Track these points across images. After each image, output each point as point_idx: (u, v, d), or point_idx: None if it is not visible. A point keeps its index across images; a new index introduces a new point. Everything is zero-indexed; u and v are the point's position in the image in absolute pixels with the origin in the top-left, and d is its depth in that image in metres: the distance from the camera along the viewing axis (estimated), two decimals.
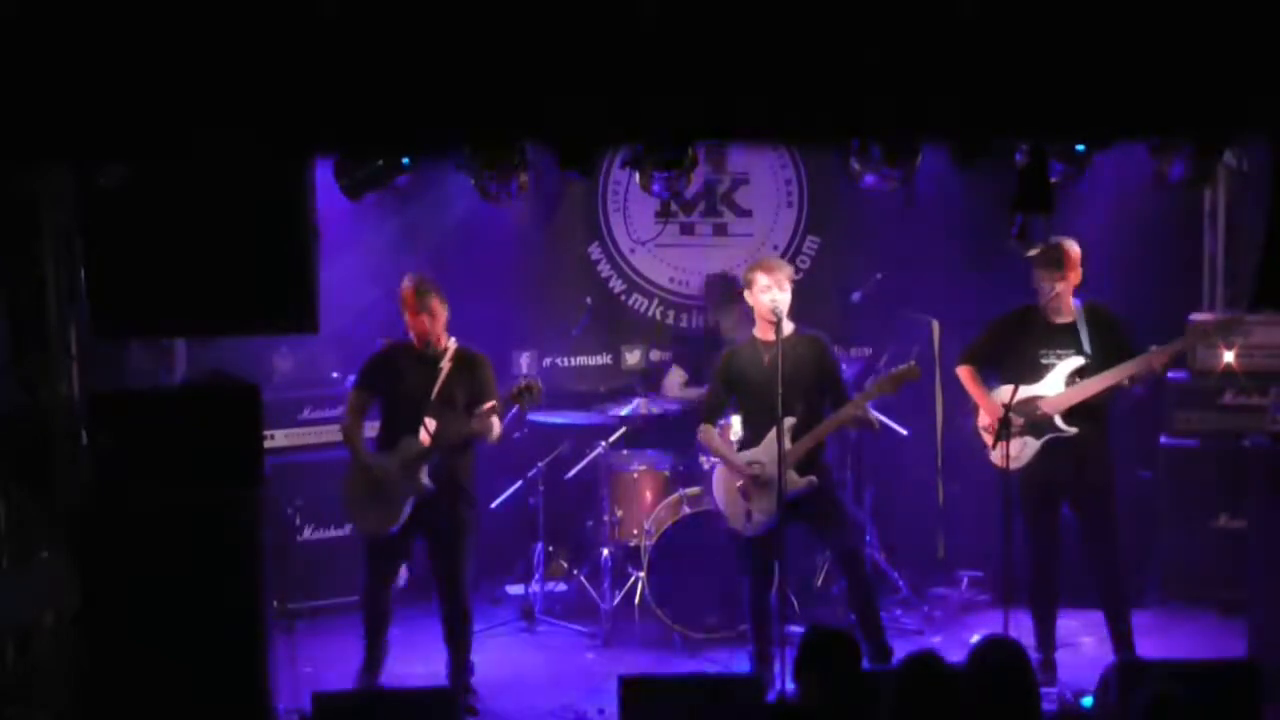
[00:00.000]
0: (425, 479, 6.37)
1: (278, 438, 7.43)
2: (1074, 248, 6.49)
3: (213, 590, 5.35)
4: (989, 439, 6.57)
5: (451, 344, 6.49)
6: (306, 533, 7.62)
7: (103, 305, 5.31)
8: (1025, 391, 6.45)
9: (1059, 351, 6.48)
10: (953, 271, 8.01)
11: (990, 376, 6.65)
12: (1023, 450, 6.46)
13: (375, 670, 6.58)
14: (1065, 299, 6.48)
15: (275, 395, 7.24)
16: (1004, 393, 6.46)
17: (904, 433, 7.68)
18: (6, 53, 4.94)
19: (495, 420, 6.40)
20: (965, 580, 7.86)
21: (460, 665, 6.53)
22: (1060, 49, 5.10)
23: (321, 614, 7.49)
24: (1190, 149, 6.26)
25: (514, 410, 6.61)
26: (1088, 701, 6.02)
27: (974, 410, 6.72)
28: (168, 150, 5.12)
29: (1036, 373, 6.49)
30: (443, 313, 6.43)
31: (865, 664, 6.28)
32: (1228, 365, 7.18)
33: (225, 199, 5.24)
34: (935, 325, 7.67)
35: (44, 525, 5.50)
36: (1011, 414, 6.32)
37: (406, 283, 6.46)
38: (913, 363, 6.57)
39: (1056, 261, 6.41)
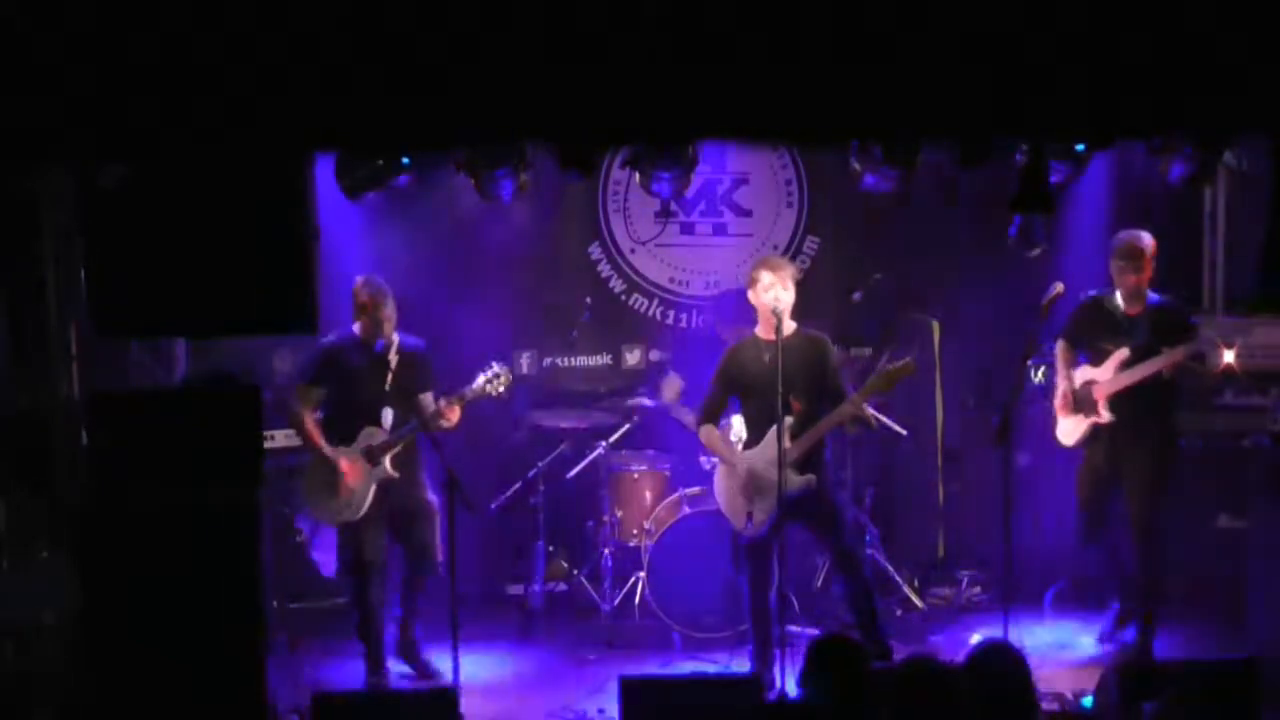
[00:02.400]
0: (388, 465, 6.57)
1: (278, 438, 7.43)
2: (1144, 244, 6.60)
3: (213, 590, 5.35)
4: (1059, 416, 6.85)
5: (396, 337, 6.68)
6: (306, 529, 7.62)
7: (103, 305, 5.31)
8: (1089, 374, 6.73)
9: (1117, 339, 6.65)
10: (953, 271, 8.01)
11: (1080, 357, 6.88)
12: (1075, 430, 6.77)
13: (380, 670, 6.65)
14: (1140, 291, 6.62)
15: (275, 395, 7.24)
16: (1076, 374, 6.76)
17: (904, 433, 7.68)
18: (6, 53, 4.94)
19: (458, 411, 6.59)
20: (965, 580, 7.86)
21: (409, 630, 6.76)
22: (1060, 48, 5.10)
23: (321, 614, 7.49)
24: (1190, 149, 6.27)
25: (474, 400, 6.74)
26: (1088, 701, 6.01)
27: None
28: (168, 150, 5.11)
29: (1100, 358, 6.71)
30: (394, 314, 6.64)
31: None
32: (1228, 365, 7.18)
33: (225, 199, 5.23)
34: (935, 325, 7.68)
35: (44, 525, 5.50)
36: (1070, 394, 6.74)
37: (360, 288, 6.61)
38: (908, 359, 6.57)
39: (1126, 255, 6.57)
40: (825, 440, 6.56)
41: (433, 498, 6.68)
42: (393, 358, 6.65)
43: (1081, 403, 6.72)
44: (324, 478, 6.64)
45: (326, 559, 7.24)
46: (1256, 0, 5.13)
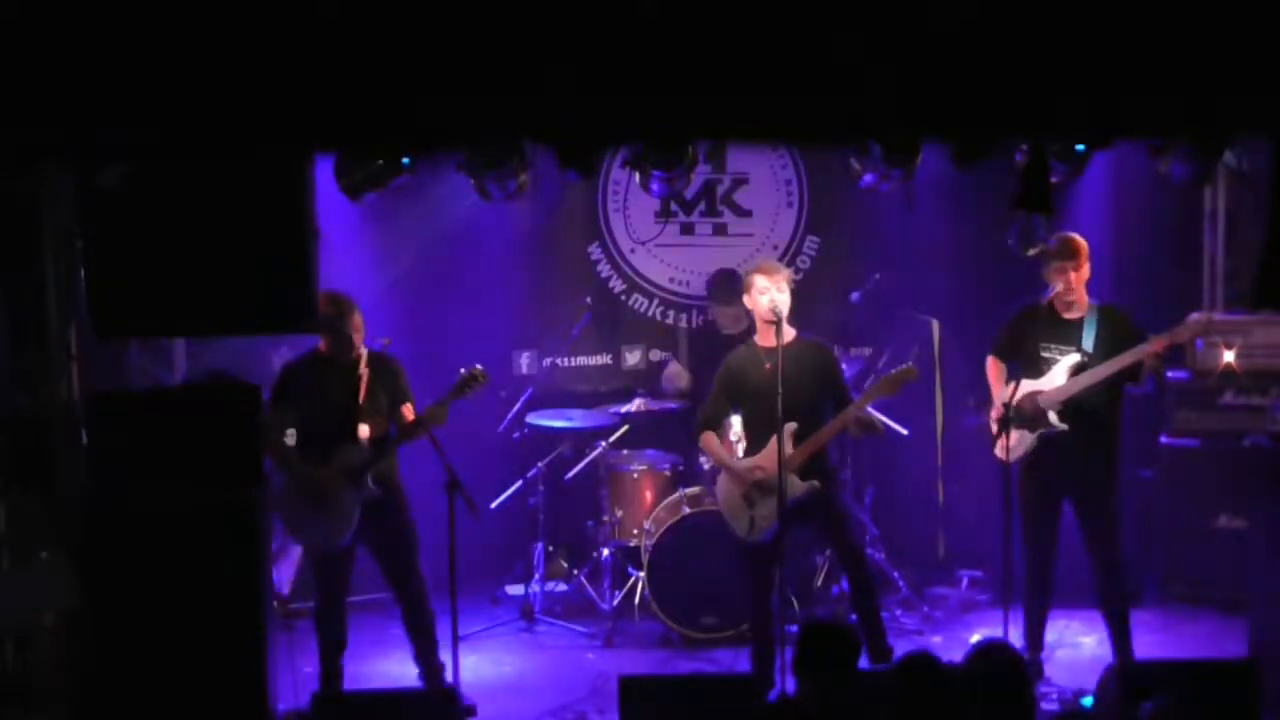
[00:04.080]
0: (371, 484, 6.32)
1: None
2: (1082, 241, 6.43)
3: (213, 590, 5.35)
4: (995, 431, 6.51)
5: (364, 350, 6.44)
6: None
7: (103, 305, 5.31)
8: (1028, 386, 6.41)
9: (1061, 347, 6.42)
10: (953, 271, 8.01)
11: (1011, 369, 6.61)
12: (1019, 444, 6.41)
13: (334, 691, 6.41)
14: (1077, 294, 6.42)
15: None
16: (1009, 388, 6.44)
17: (904, 433, 7.68)
18: (7, 52, 4.94)
19: (444, 412, 6.35)
20: (965, 580, 7.86)
21: (430, 666, 6.49)
22: (1060, 48, 5.10)
23: None
24: (1190, 149, 6.26)
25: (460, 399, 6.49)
26: (1088, 701, 6.02)
27: (987, 403, 6.70)
28: (168, 150, 5.11)
29: (1038, 367, 6.44)
30: (362, 327, 6.41)
31: (865, 663, 6.33)
32: (1228, 365, 7.18)
33: (225, 199, 5.23)
34: (935, 325, 7.68)
35: (44, 525, 5.50)
36: (1011, 408, 6.31)
37: (323, 302, 6.17)
38: (910, 364, 6.56)
39: (1065, 254, 6.37)
40: (829, 444, 6.55)
41: (413, 518, 6.43)
42: (363, 371, 6.40)
43: (1025, 416, 6.39)
44: (306, 500, 6.36)
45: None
46: (1256, 1, 5.13)
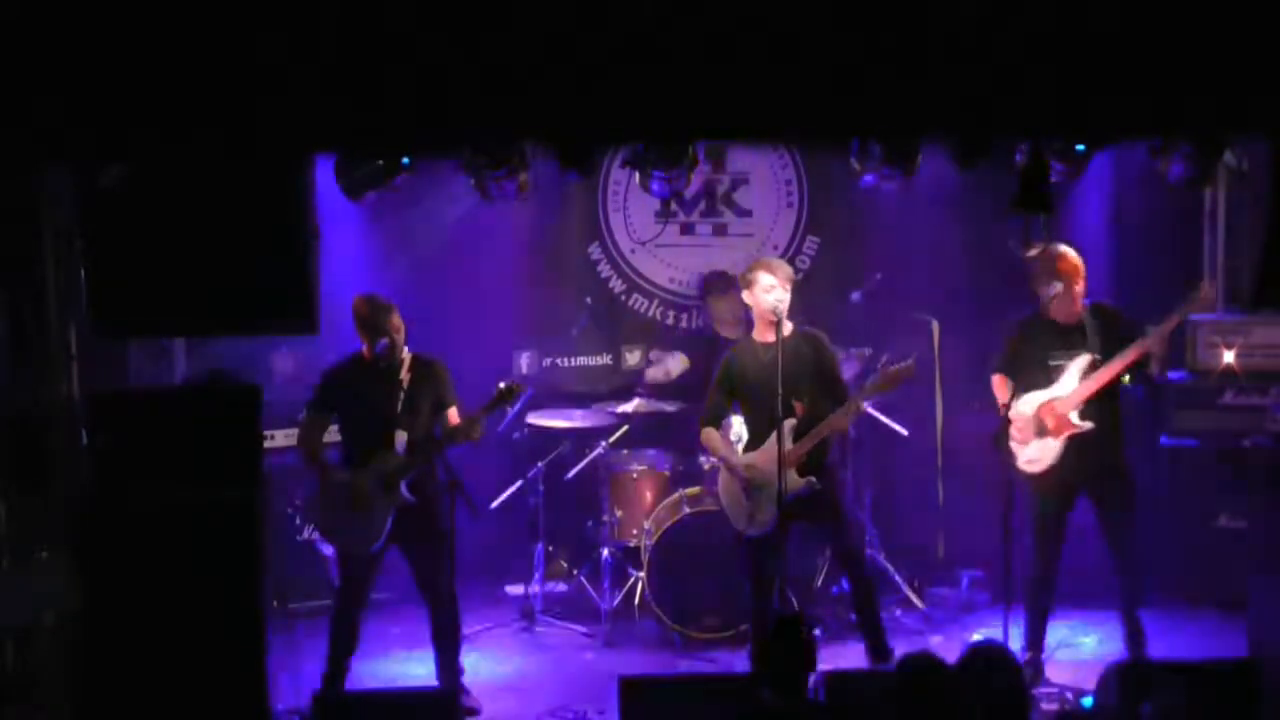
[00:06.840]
0: (405, 491, 6.30)
1: (278, 438, 7.43)
2: (1069, 253, 6.45)
3: (213, 590, 5.35)
4: (1016, 447, 6.50)
5: (408, 353, 6.40)
6: (306, 533, 7.61)
7: (103, 305, 5.31)
8: (1041, 396, 6.44)
9: (1069, 352, 6.45)
10: (953, 272, 8.00)
11: (1017, 384, 6.58)
12: (1043, 453, 6.45)
13: (332, 685, 6.37)
14: (1070, 302, 6.44)
15: (275, 395, 7.23)
16: (1027, 400, 6.45)
17: (904, 433, 7.67)
18: (7, 53, 4.94)
19: (479, 425, 6.34)
20: (965, 580, 7.85)
21: (451, 667, 6.47)
22: (1060, 48, 5.10)
23: (321, 614, 7.47)
24: (1190, 149, 6.26)
25: (498, 412, 6.53)
26: (1088, 702, 6.01)
27: (1004, 424, 6.60)
28: (168, 150, 5.11)
29: (1048, 376, 6.47)
30: (402, 328, 6.36)
31: (866, 663, 6.34)
32: (1228, 365, 7.17)
33: (225, 199, 5.24)
34: (935, 325, 7.67)
35: (44, 525, 5.50)
36: (1032, 419, 6.36)
37: (359, 304, 6.36)
38: (909, 362, 6.56)
39: (1049, 269, 6.41)
40: (831, 440, 6.55)
41: (446, 528, 6.20)
42: (405, 375, 6.36)
43: (1045, 425, 6.42)
44: (337, 506, 6.36)
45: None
46: (1256, 2, 5.13)
